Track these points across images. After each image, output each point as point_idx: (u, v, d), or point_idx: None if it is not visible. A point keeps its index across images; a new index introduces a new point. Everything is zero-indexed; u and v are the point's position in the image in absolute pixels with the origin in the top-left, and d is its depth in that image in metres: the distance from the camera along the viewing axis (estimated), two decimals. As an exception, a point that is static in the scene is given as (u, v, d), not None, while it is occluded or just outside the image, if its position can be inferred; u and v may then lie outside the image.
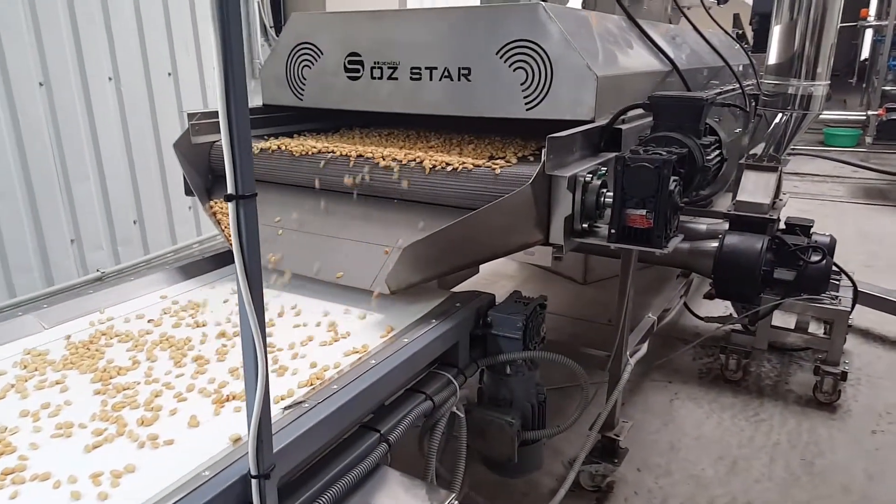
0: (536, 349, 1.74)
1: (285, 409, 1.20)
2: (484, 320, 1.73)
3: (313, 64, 2.23)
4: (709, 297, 3.53)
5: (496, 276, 4.29)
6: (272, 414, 1.16)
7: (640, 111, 1.96)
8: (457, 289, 1.93)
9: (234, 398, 1.28)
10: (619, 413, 2.44)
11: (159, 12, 3.60)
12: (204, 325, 1.64)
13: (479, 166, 1.73)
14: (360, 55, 2.13)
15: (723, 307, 3.34)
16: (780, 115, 2.83)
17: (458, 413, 1.61)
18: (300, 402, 1.20)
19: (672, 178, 1.45)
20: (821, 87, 2.78)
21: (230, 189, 0.87)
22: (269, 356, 1.46)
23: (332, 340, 1.56)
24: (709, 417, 2.77)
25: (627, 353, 2.35)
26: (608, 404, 2.30)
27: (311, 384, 1.32)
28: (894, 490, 2.34)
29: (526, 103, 1.90)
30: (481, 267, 2.99)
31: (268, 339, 1.55)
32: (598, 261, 4.06)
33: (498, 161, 1.76)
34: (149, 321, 1.67)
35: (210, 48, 3.80)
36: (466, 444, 1.65)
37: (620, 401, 2.41)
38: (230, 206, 0.87)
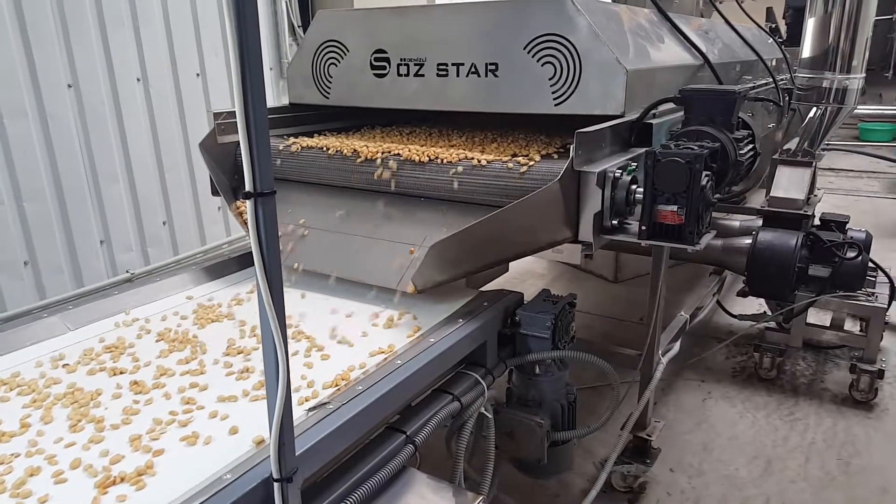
0: (566, 348, 1.71)
1: (309, 410, 1.19)
2: (512, 319, 1.71)
3: (339, 62, 2.22)
4: (742, 294, 3.44)
5: (526, 275, 4.26)
6: (296, 416, 1.16)
7: (671, 105, 1.91)
8: (485, 287, 1.91)
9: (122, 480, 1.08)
10: (651, 413, 2.39)
11: (187, 13, 3.64)
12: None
13: (502, 163, 1.71)
14: (386, 52, 2.12)
15: (756, 305, 3.26)
16: (814, 109, 2.76)
17: (487, 414, 1.59)
18: (325, 404, 1.20)
19: (704, 172, 1.41)
20: (856, 81, 2.70)
21: (248, 186, 0.86)
22: (295, 357, 1.47)
23: (358, 341, 1.55)
24: (742, 417, 2.71)
25: (659, 352, 2.30)
26: (640, 404, 2.26)
27: (336, 385, 1.32)
28: (938, 494, 2.26)
29: (554, 98, 1.86)
30: (511, 265, 2.96)
31: (294, 339, 1.56)
32: (630, 258, 4.01)
33: (520, 159, 1.73)
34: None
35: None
36: (495, 445, 1.63)
37: (652, 400, 2.37)
38: (248, 203, 0.86)
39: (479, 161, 1.74)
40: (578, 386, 2.35)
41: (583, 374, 2.62)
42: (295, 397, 1.27)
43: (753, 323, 2.97)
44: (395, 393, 1.28)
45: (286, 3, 4.01)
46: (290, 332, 1.59)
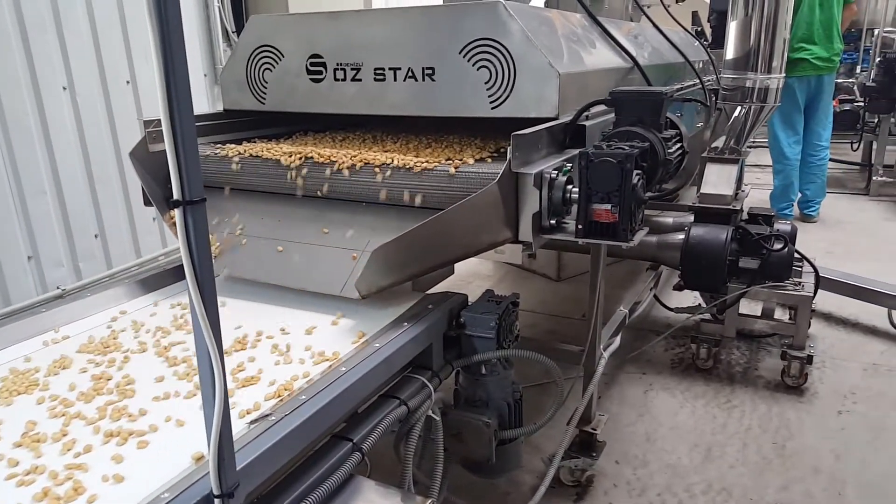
0: (510, 347, 1.74)
1: (251, 423, 1.17)
2: (457, 321, 1.72)
3: (274, 67, 2.19)
4: (678, 288, 3.56)
5: (472, 276, 4.29)
6: (237, 429, 1.14)
7: (603, 107, 1.97)
8: (432, 290, 1.92)
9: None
10: (595, 407, 2.45)
11: (115, 17, 3.51)
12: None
13: (434, 167, 1.73)
14: (322, 57, 2.10)
15: (692, 298, 3.38)
16: (738, 108, 2.89)
17: (434, 416, 1.60)
18: (267, 416, 1.17)
19: (635, 171, 1.46)
20: (776, 80, 2.84)
21: (176, 194, 0.83)
22: (239, 368, 1.44)
23: (301, 350, 1.53)
24: (683, 407, 2.81)
25: (601, 347, 2.36)
26: (584, 399, 2.31)
27: (279, 396, 1.29)
28: (859, 468, 2.40)
29: (491, 102, 1.89)
30: (457, 267, 2.98)
31: (236, 349, 1.53)
32: (572, 257, 4.10)
33: (454, 162, 1.76)
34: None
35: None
36: (444, 447, 1.64)
37: (596, 395, 2.43)
38: (177, 212, 0.83)
39: (409, 165, 1.75)
40: (526, 384, 2.39)
41: (529, 372, 2.66)
42: (236, 411, 1.25)
43: (689, 315, 3.08)
44: (339, 401, 1.27)
45: (219, 7, 3.93)
46: (230, 343, 1.56)
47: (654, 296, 3.25)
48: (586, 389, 2.30)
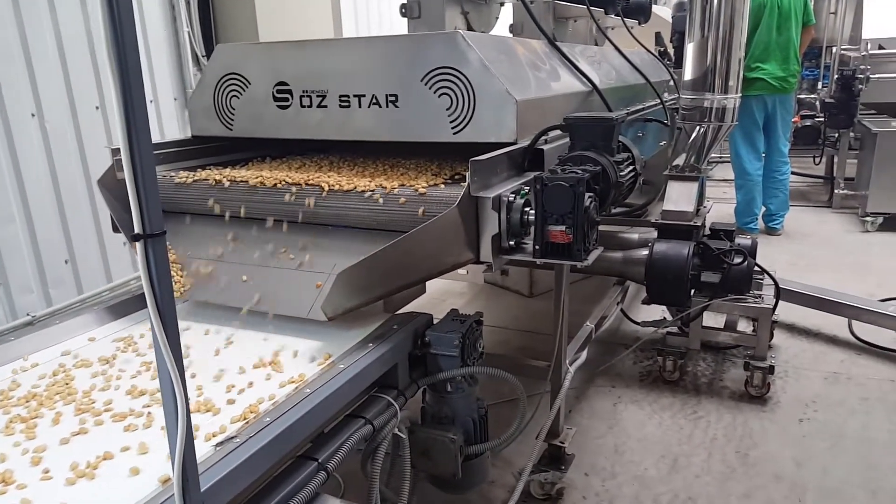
0: (475, 365, 1.78)
1: (216, 445, 1.20)
2: (422, 340, 1.76)
3: (242, 94, 2.24)
4: (646, 302, 3.65)
5: (445, 295, 4.34)
6: (202, 452, 1.17)
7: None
8: (404, 309, 1.96)
9: None
10: (563, 421, 2.50)
11: (83, 44, 3.53)
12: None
13: (380, 192, 1.81)
14: (288, 84, 2.15)
15: (660, 311, 3.47)
16: (698, 127, 2.99)
17: (401, 434, 1.64)
18: (231, 438, 1.21)
19: (587, 194, 1.53)
20: (733, 100, 2.95)
21: (136, 228, 0.87)
22: (204, 393, 1.47)
23: (268, 373, 1.56)
24: (650, 418, 2.87)
25: (567, 361, 2.42)
26: (551, 413, 2.36)
27: (245, 418, 1.33)
28: (819, 475, 2.48)
29: (452, 127, 1.96)
30: (430, 286, 3.03)
31: (202, 375, 1.55)
32: (543, 274, 4.17)
33: (403, 189, 1.82)
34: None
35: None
36: (412, 465, 1.68)
37: (564, 408, 2.48)
38: (138, 245, 0.87)
39: (356, 188, 1.82)
40: (498, 400, 2.44)
41: (501, 389, 2.70)
42: (202, 434, 1.27)
43: (655, 329, 3.16)
44: (304, 421, 1.31)
45: (188, 33, 3.97)
46: (198, 367, 1.59)
47: (622, 310, 3.33)
48: (553, 403, 2.35)
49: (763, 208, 5.42)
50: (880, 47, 5.65)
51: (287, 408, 1.31)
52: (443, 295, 4.31)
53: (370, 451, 1.55)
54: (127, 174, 0.90)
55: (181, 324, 1.80)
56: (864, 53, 5.70)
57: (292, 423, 1.27)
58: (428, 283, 2.20)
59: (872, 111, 6.08)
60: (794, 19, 4.96)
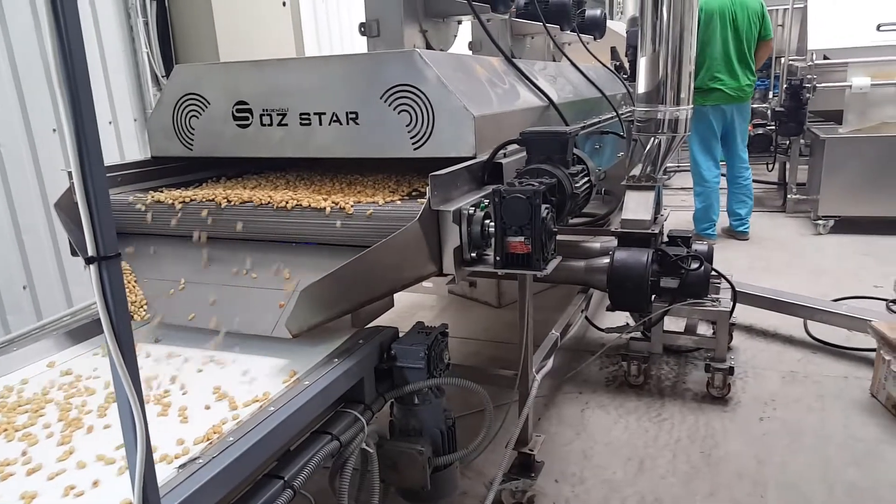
0: (441, 376, 1.81)
1: (179, 468, 1.19)
2: (388, 354, 1.78)
3: (201, 114, 2.24)
4: (610, 309, 3.73)
5: (415, 308, 4.36)
6: (165, 474, 1.17)
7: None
8: (373, 323, 1.97)
9: None
10: (532, 428, 2.53)
11: (38, 66, 3.48)
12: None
13: (343, 208, 1.84)
14: (247, 103, 2.16)
15: (625, 318, 3.54)
16: (652, 138, 3.08)
17: (368, 449, 1.65)
18: (194, 459, 1.20)
19: (544, 206, 1.58)
20: (685, 111, 3.05)
21: (90, 251, 0.86)
22: (167, 415, 1.46)
23: (233, 392, 1.56)
24: (617, 422, 2.93)
25: (534, 370, 2.45)
26: (520, 421, 2.39)
27: (208, 439, 1.32)
28: (779, 471, 2.55)
29: (413, 143, 1.99)
30: (400, 298, 3.04)
31: (168, 397, 1.55)
32: (511, 284, 4.20)
33: (350, 205, 1.85)
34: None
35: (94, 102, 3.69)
36: (381, 478, 1.69)
37: (532, 416, 2.51)
38: (92, 269, 0.87)
39: (311, 205, 1.85)
40: (467, 411, 2.46)
41: (471, 399, 2.72)
42: (160, 455, 1.27)
43: (619, 335, 3.22)
44: (268, 440, 1.31)
45: (147, 53, 3.94)
46: (161, 388, 1.58)
47: (586, 317, 3.39)
48: (522, 412, 2.38)
49: (724, 214, 5.59)
50: (825, 58, 5.87)
51: (251, 427, 1.31)
52: (412, 308, 4.33)
53: (338, 466, 1.56)
54: (79, 196, 0.89)
55: (148, 346, 1.80)
56: (810, 64, 5.92)
57: (256, 441, 1.27)
58: (397, 297, 2.22)
59: (820, 119, 6.32)
60: (750, 31, 5.15)
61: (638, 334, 3.20)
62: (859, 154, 5.43)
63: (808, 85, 5.87)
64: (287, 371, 1.64)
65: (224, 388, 1.57)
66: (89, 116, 0.88)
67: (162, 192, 2.10)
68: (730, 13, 5.09)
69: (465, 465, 2.46)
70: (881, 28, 5.67)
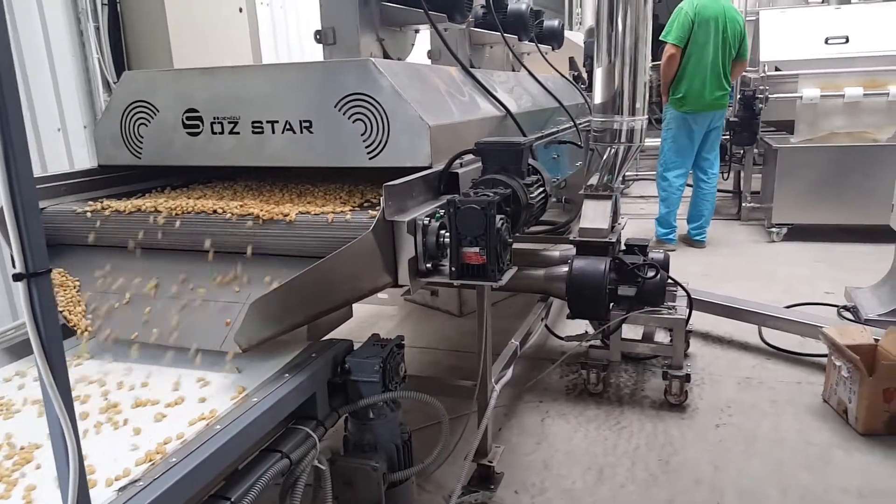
0: (397, 389, 1.78)
1: (119, 490, 1.14)
2: (342, 367, 1.74)
3: (150, 121, 2.17)
4: (570, 317, 3.76)
5: (375, 318, 4.31)
6: (105, 497, 1.12)
7: (475, 155, 2.09)
8: (331, 334, 1.93)
9: None
10: (491, 439, 2.52)
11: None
12: None
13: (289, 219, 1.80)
14: (198, 111, 2.11)
15: (585, 326, 3.56)
16: (609, 148, 3.12)
17: (321, 466, 1.61)
18: (135, 481, 1.15)
19: (499, 216, 1.57)
20: (640, 122, 3.10)
21: (18, 267, 0.82)
22: (107, 434, 1.40)
23: (178, 410, 1.50)
24: (577, 431, 2.93)
25: (493, 379, 2.44)
26: (479, 432, 2.38)
27: (151, 460, 1.27)
28: (736, 476, 2.59)
29: (368, 152, 1.97)
30: (360, 308, 2.97)
31: (108, 414, 1.48)
32: (472, 293, 4.19)
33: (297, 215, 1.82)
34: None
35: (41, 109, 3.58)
36: (335, 496, 1.65)
37: (494, 426, 2.50)
38: (20, 286, 0.83)
39: (260, 215, 1.82)
40: (426, 423, 2.43)
41: (430, 411, 2.70)
42: (102, 478, 1.21)
43: (579, 343, 3.24)
44: (214, 460, 1.26)
45: (98, 59, 3.83)
46: (101, 407, 1.51)
47: (546, 326, 3.40)
48: (480, 423, 2.36)
49: (682, 221, 5.70)
50: (776, 69, 6.05)
51: (195, 446, 1.27)
52: (372, 318, 4.28)
53: (289, 485, 1.52)
54: (6, 209, 0.85)
55: (89, 361, 1.73)
56: (762, 75, 6.10)
57: (201, 461, 1.23)
58: (356, 307, 2.19)
59: (773, 128, 6.51)
60: (733, 45, 5.31)
61: (597, 342, 3.22)
62: (810, 163, 5.61)
63: (761, 96, 6.04)
64: (236, 387, 1.59)
65: (169, 406, 1.52)
66: (17, 125, 0.85)
67: (102, 202, 2.03)
68: (721, 23, 5.22)
69: (425, 478, 2.43)
70: (829, 41, 5.88)
